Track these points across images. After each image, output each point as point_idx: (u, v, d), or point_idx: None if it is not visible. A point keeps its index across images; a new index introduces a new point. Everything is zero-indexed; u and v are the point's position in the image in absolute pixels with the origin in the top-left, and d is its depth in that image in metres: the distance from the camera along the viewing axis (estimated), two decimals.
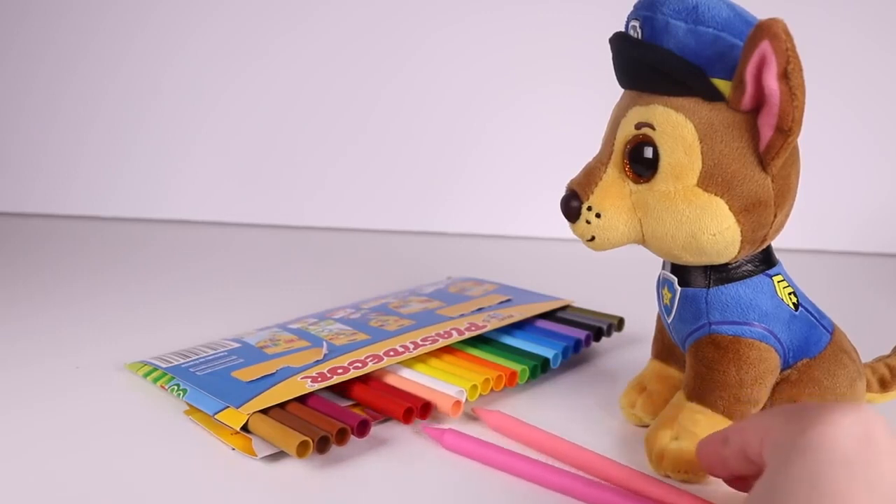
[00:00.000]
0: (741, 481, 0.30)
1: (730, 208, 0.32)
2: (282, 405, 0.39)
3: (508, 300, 0.54)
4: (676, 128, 0.32)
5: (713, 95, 0.31)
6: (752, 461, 0.27)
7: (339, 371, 0.42)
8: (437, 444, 0.38)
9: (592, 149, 0.36)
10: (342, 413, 0.39)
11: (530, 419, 0.41)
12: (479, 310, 0.52)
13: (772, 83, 0.29)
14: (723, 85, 0.31)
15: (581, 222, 0.34)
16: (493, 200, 0.87)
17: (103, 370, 0.47)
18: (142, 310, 0.60)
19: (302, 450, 0.35)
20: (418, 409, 0.39)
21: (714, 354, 0.34)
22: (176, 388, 0.42)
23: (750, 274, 0.35)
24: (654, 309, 0.40)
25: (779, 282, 0.35)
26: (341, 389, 0.42)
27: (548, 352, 0.46)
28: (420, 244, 0.84)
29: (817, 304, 0.37)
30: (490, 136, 0.86)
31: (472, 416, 0.41)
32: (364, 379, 0.43)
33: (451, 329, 0.47)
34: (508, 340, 0.49)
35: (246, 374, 0.42)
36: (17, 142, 0.94)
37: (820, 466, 0.22)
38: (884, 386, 0.39)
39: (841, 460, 0.22)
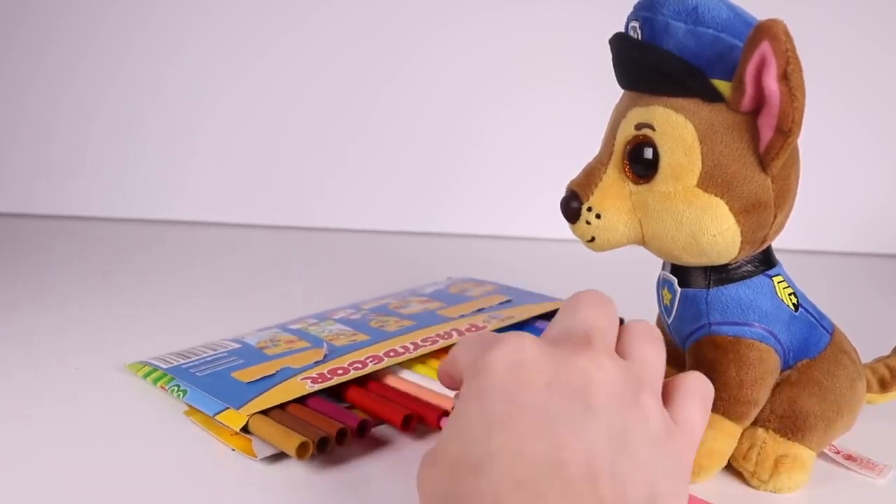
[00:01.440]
0: None
1: (730, 209, 0.32)
2: (282, 406, 0.39)
3: (508, 301, 0.54)
4: (676, 129, 0.32)
5: (713, 96, 0.31)
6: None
7: (340, 372, 0.42)
8: None
9: (592, 149, 0.36)
10: (342, 414, 0.39)
11: None
12: (480, 310, 0.52)
13: (772, 84, 0.29)
14: (723, 86, 0.31)
15: (581, 223, 0.34)
16: (493, 200, 0.87)
17: (103, 371, 0.47)
18: (142, 310, 0.60)
19: (302, 451, 0.35)
20: (416, 417, 0.39)
21: (714, 355, 0.34)
22: (176, 388, 0.42)
23: (750, 274, 0.35)
24: (654, 309, 0.40)
25: (779, 282, 0.35)
26: (339, 393, 0.42)
27: None
28: (420, 244, 0.84)
29: (817, 305, 0.37)
30: (490, 136, 0.86)
31: None
32: (363, 381, 0.43)
33: (452, 330, 0.47)
34: None
35: (246, 375, 0.42)
36: (19, 142, 0.94)
37: (481, 397, 0.24)
38: (884, 386, 0.39)
39: (495, 387, 0.24)
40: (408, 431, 0.39)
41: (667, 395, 0.27)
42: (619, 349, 0.27)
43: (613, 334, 0.28)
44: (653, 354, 0.27)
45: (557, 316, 0.28)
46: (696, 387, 0.27)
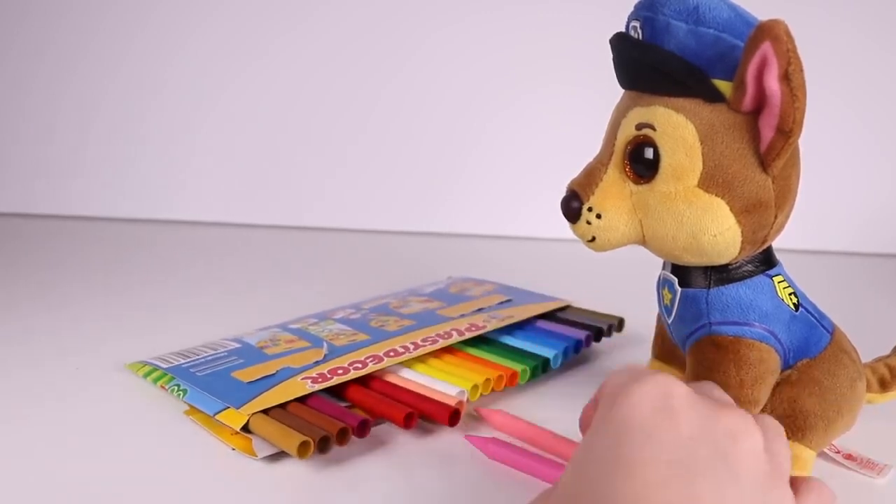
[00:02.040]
0: None
1: (730, 209, 0.32)
2: (282, 405, 0.39)
3: (508, 300, 0.54)
4: (677, 129, 0.32)
5: (714, 96, 0.31)
6: None
7: (340, 371, 0.42)
8: (482, 453, 0.37)
9: (592, 149, 0.36)
10: (342, 413, 0.38)
11: (529, 419, 0.41)
12: (480, 310, 0.52)
13: (773, 84, 0.29)
14: (724, 86, 0.31)
15: (581, 223, 0.34)
16: (493, 200, 0.87)
17: (103, 370, 0.47)
18: (142, 310, 0.60)
19: (303, 450, 0.35)
20: (417, 415, 0.39)
21: (714, 355, 0.34)
22: (176, 388, 0.42)
23: (750, 274, 0.35)
24: (654, 309, 0.40)
25: (779, 282, 0.35)
26: (339, 392, 0.42)
27: (548, 352, 0.46)
28: (420, 244, 0.84)
29: (817, 305, 0.37)
30: (490, 137, 0.86)
31: (473, 416, 0.41)
32: (363, 381, 0.43)
33: (452, 329, 0.47)
34: (509, 341, 0.49)
35: (246, 375, 0.42)
36: (19, 142, 0.94)
37: (618, 434, 0.23)
38: (884, 386, 0.39)
39: (636, 427, 0.23)
40: (409, 429, 0.39)
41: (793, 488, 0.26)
42: None
43: None
44: (786, 449, 0.25)
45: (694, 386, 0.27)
46: (820, 496, 0.26)
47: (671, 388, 0.24)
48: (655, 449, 0.22)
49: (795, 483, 0.26)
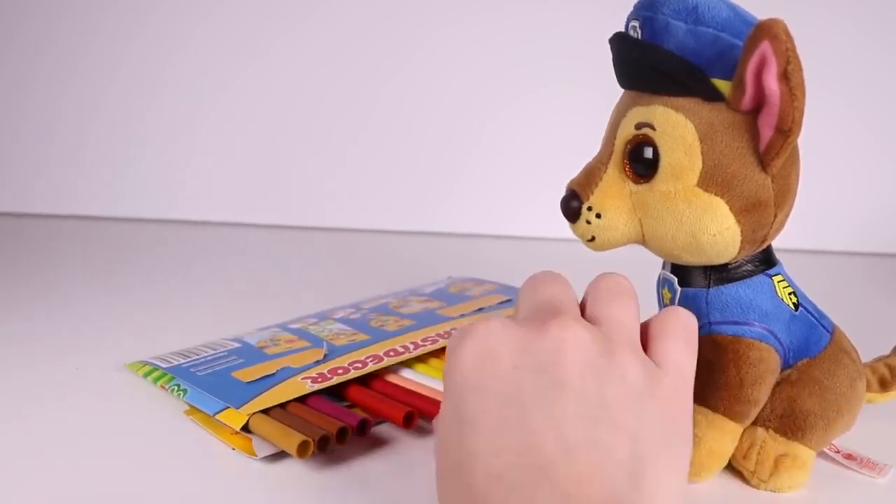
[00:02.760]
0: None
1: (730, 208, 0.32)
2: (282, 405, 0.39)
3: (508, 300, 0.54)
4: (677, 128, 0.32)
5: (713, 96, 0.31)
6: None
7: (340, 371, 0.42)
8: None
9: (592, 149, 0.36)
10: (342, 412, 0.39)
11: None
12: (480, 310, 0.52)
13: (772, 84, 0.29)
14: (723, 85, 0.31)
15: (581, 222, 0.34)
16: (493, 200, 0.87)
17: (104, 370, 0.47)
18: (142, 310, 0.60)
19: (302, 450, 0.35)
20: (417, 415, 0.39)
21: (714, 355, 0.34)
22: (176, 388, 0.42)
23: (750, 274, 0.35)
24: (654, 309, 0.40)
25: (779, 282, 0.35)
26: (339, 392, 0.42)
27: None
28: (420, 244, 0.84)
29: (817, 304, 0.37)
30: (490, 136, 0.86)
31: None
32: (363, 380, 0.43)
33: (452, 329, 0.47)
34: None
35: (246, 375, 0.42)
36: (20, 142, 0.94)
37: (454, 397, 0.24)
38: (884, 386, 0.39)
39: (465, 385, 0.24)
40: (409, 428, 0.39)
41: (646, 340, 0.26)
42: (586, 315, 0.26)
43: (576, 306, 0.27)
44: (619, 310, 0.26)
45: (518, 300, 0.28)
46: (675, 323, 0.26)
47: (487, 331, 0.24)
48: (485, 398, 0.23)
49: (648, 328, 0.26)
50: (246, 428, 0.38)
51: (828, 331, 0.37)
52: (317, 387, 0.40)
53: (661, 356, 0.25)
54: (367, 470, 0.36)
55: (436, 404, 0.40)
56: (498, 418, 0.23)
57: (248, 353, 0.46)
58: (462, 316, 0.50)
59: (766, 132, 0.31)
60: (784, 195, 0.33)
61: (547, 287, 0.27)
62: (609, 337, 0.25)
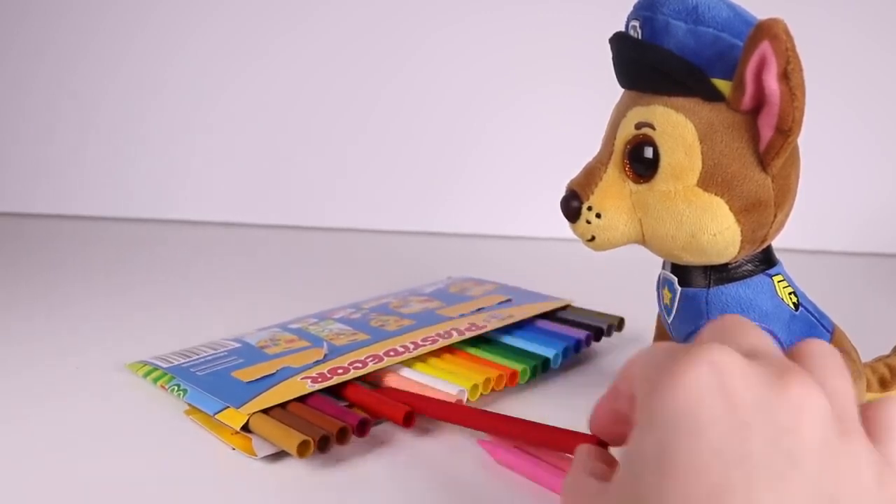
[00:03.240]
0: None
1: (730, 208, 0.32)
2: (282, 405, 0.39)
3: (508, 300, 0.54)
4: (677, 128, 0.32)
5: (713, 96, 0.31)
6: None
7: (340, 371, 0.42)
8: (490, 457, 0.37)
9: (592, 149, 0.36)
10: (342, 412, 0.39)
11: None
12: (480, 310, 0.52)
13: (772, 83, 0.29)
14: (723, 85, 0.31)
15: (581, 222, 0.34)
16: (493, 200, 0.87)
17: (104, 370, 0.47)
18: (142, 310, 0.60)
19: (303, 449, 0.35)
20: (417, 415, 0.39)
21: None
22: (176, 388, 0.42)
23: (750, 274, 0.35)
24: (654, 309, 0.40)
25: (779, 282, 0.35)
26: (337, 392, 0.42)
27: (548, 352, 0.46)
28: (420, 244, 0.84)
29: (817, 304, 0.37)
30: (490, 136, 0.86)
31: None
32: (363, 381, 0.43)
33: (452, 329, 0.47)
34: (508, 340, 0.49)
35: (246, 375, 0.42)
36: (19, 142, 0.94)
37: (666, 427, 0.20)
38: (884, 386, 0.39)
39: (686, 417, 0.19)
40: (409, 428, 0.39)
41: (870, 427, 0.21)
42: None
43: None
44: (844, 385, 0.21)
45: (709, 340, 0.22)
46: None
47: (723, 363, 0.20)
48: (710, 443, 0.19)
49: (873, 414, 0.21)
50: (246, 428, 0.38)
51: (828, 331, 0.37)
52: (317, 387, 0.40)
53: (891, 451, 0.21)
54: (367, 470, 0.36)
55: (434, 403, 0.40)
56: (717, 477, 0.19)
57: (248, 353, 0.46)
58: (462, 316, 0.50)
59: (766, 132, 0.31)
60: (784, 195, 0.33)
61: (751, 332, 0.23)
62: (841, 416, 0.20)
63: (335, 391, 0.42)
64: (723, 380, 0.20)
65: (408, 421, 0.39)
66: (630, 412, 0.24)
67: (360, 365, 0.43)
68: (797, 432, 0.19)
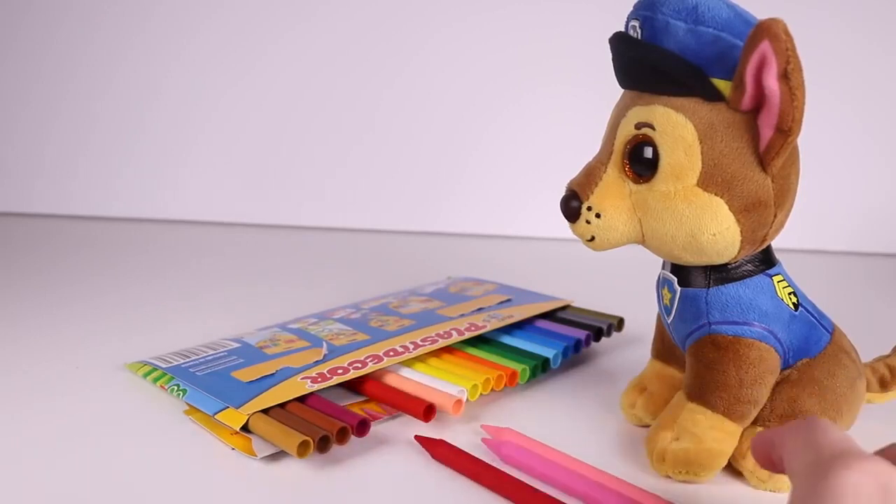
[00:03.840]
0: None
1: (730, 208, 0.32)
2: (282, 405, 0.39)
3: (508, 300, 0.54)
4: (676, 128, 0.32)
5: (713, 96, 0.31)
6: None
7: (339, 371, 0.42)
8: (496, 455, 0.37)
9: (592, 149, 0.36)
10: (342, 412, 0.39)
11: (530, 419, 0.41)
12: (479, 310, 0.52)
13: (772, 83, 0.29)
14: (723, 85, 0.31)
15: (581, 222, 0.34)
16: (493, 200, 0.87)
17: (103, 370, 0.47)
18: (142, 310, 0.60)
19: (302, 449, 0.35)
20: (435, 408, 0.40)
21: (714, 354, 0.34)
22: (176, 388, 0.42)
23: (750, 274, 0.35)
24: (654, 309, 0.40)
25: (779, 282, 0.35)
26: (355, 386, 0.43)
27: (548, 352, 0.46)
28: (420, 244, 0.84)
29: (817, 304, 0.37)
30: (490, 137, 0.86)
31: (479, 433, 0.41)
32: (376, 376, 0.43)
33: (451, 329, 0.47)
34: (508, 340, 0.49)
35: (246, 375, 0.42)
36: (18, 142, 0.94)
37: None
38: (884, 386, 0.39)
39: None
40: (428, 421, 0.39)
41: None
42: None
43: None
44: None
45: (802, 445, 0.26)
46: None
47: (889, 473, 0.23)
48: None
49: None
50: (246, 428, 0.38)
51: (828, 331, 0.37)
52: (316, 387, 0.40)
53: None
54: (366, 470, 0.36)
55: (435, 401, 0.40)
56: None
57: (248, 353, 0.46)
58: (462, 316, 0.50)
59: (766, 132, 0.31)
60: (784, 195, 0.33)
61: (838, 434, 0.26)
62: None
63: (352, 385, 0.42)
64: (888, 492, 0.22)
65: (428, 415, 0.39)
66: (781, 464, 0.27)
67: (359, 365, 0.43)
68: None
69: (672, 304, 0.36)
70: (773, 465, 0.28)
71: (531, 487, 0.34)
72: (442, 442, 0.37)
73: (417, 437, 0.38)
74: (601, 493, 0.33)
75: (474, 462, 0.36)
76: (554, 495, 0.33)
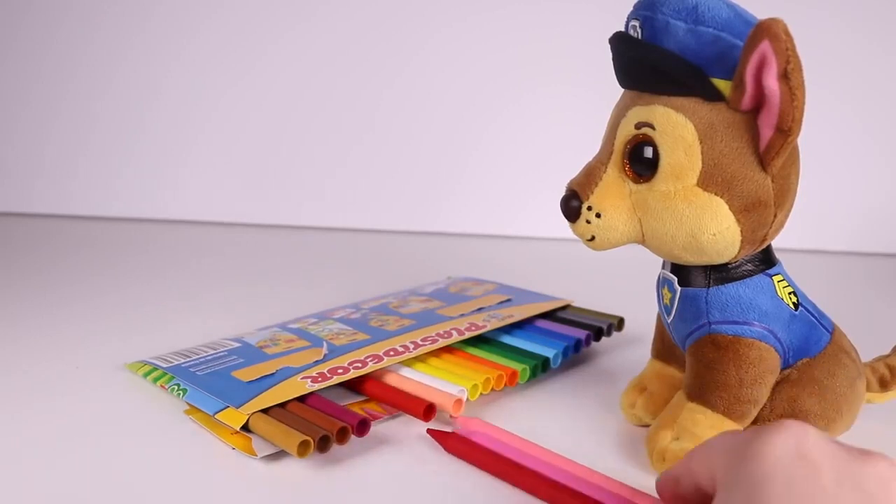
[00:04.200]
0: None
1: (730, 208, 0.32)
2: (282, 404, 0.39)
3: (508, 300, 0.54)
4: (676, 128, 0.32)
5: (713, 95, 0.31)
6: (709, 495, 0.26)
7: (339, 371, 0.42)
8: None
9: (592, 149, 0.36)
10: (342, 412, 0.39)
11: (530, 419, 0.41)
12: (479, 310, 0.52)
13: (772, 83, 0.29)
14: (723, 85, 0.31)
15: (581, 222, 0.34)
16: (493, 200, 0.87)
17: (103, 370, 0.47)
18: (142, 310, 0.60)
19: (303, 449, 0.35)
20: (435, 407, 0.40)
21: (714, 354, 0.34)
22: (176, 387, 0.42)
23: (750, 274, 0.35)
24: (654, 309, 0.40)
25: (779, 281, 0.35)
26: (353, 385, 0.42)
27: (548, 351, 0.46)
28: (420, 244, 0.84)
29: (817, 304, 0.37)
30: (490, 137, 0.86)
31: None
32: (376, 376, 0.43)
33: (451, 329, 0.47)
34: (508, 340, 0.49)
35: (246, 374, 0.42)
36: (18, 141, 0.94)
37: (755, 487, 0.22)
38: (884, 386, 0.39)
39: (775, 478, 0.22)
40: (428, 420, 0.39)
41: None
42: None
43: None
44: None
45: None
46: None
47: (805, 436, 0.23)
48: (796, 496, 0.21)
49: None
50: (246, 427, 0.38)
51: (828, 330, 0.37)
52: (316, 387, 0.40)
53: None
54: (366, 470, 0.36)
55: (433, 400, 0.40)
56: None
57: (248, 353, 0.46)
58: (462, 316, 0.50)
59: (766, 132, 0.31)
60: (784, 195, 0.33)
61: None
62: None
63: (353, 386, 0.42)
64: (804, 448, 0.22)
65: (428, 414, 0.39)
66: (694, 497, 0.27)
67: (359, 365, 0.43)
68: (889, 499, 0.21)
69: (672, 304, 0.36)
70: (683, 501, 0.28)
71: (547, 478, 0.34)
72: (455, 434, 0.37)
73: (430, 431, 0.38)
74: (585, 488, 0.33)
75: (488, 454, 0.36)
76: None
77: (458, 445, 0.37)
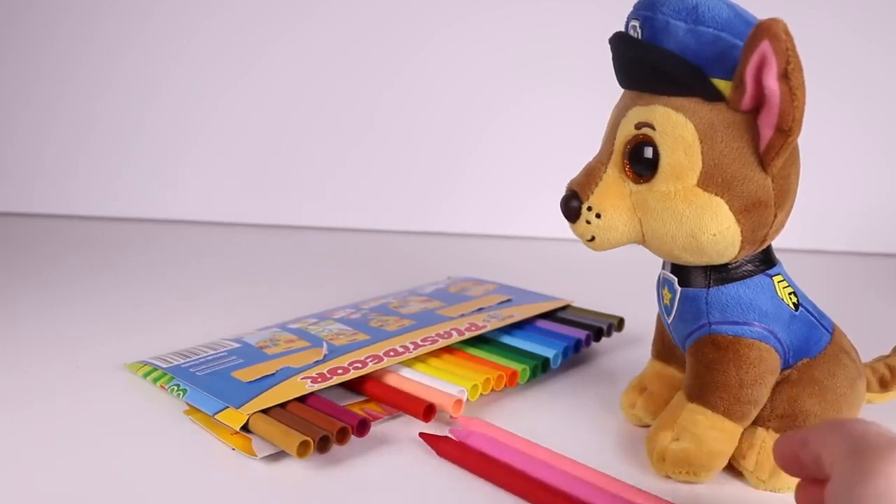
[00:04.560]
0: (806, 491, 0.29)
1: (730, 208, 0.32)
2: (282, 405, 0.39)
3: (508, 300, 0.54)
4: (676, 128, 0.32)
5: (713, 95, 0.31)
6: (824, 473, 0.26)
7: (339, 371, 0.42)
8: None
9: (592, 149, 0.36)
10: (342, 412, 0.39)
11: (530, 419, 0.41)
12: (480, 310, 0.52)
13: (772, 83, 0.29)
14: (723, 85, 0.31)
15: (581, 222, 0.34)
16: (493, 200, 0.87)
17: (103, 370, 0.47)
18: (142, 310, 0.60)
19: (302, 450, 0.35)
20: (435, 407, 0.40)
21: (714, 354, 0.34)
22: (176, 388, 0.42)
23: (750, 274, 0.35)
24: (654, 309, 0.40)
25: (779, 282, 0.35)
26: (353, 386, 0.42)
27: (548, 352, 0.46)
28: (420, 244, 0.84)
29: (817, 304, 0.37)
30: (490, 137, 0.86)
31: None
32: (376, 376, 0.43)
33: (451, 329, 0.47)
34: (508, 340, 0.49)
35: (246, 375, 0.42)
36: (18, 141, 0.94)
37: (876, 498, 0.22)
38: (884, 386, 0.39)
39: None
40: (428, 421, 0.39)
41: None
42: None
43: None
44: None
45: (833, 440, 0.25)
46: None
47: None
48: None
49: None
50: (246, 428, 0.38)
51: (828, 331, 0.37)
52: (316, 387, 0.40)
53: None
54: (366, 470, 0.36)
55: (432, 401, 0.40)
56: None
57: (248, 353, 0.46)
58: (462, 316, 0.50)
59: (766, 132, 0.31)
60: (784, 195, 0.33)
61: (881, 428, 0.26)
62: None
63: (353, 386, 0.42)
64: None
65: (428, 414, 0.39)
66: (812, 465, 0.27)
67: (359, 365, 0.43)
68: None
69: (672, 304, 0.36)
70: (799, 465, 0.27)
71: (540, 482, 0.34)
72: (447, 438, 0.37)
73: (422, 435, 0.38)
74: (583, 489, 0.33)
75: (480, 458, 0.36)
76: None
77: (450, 450, 0.37)
